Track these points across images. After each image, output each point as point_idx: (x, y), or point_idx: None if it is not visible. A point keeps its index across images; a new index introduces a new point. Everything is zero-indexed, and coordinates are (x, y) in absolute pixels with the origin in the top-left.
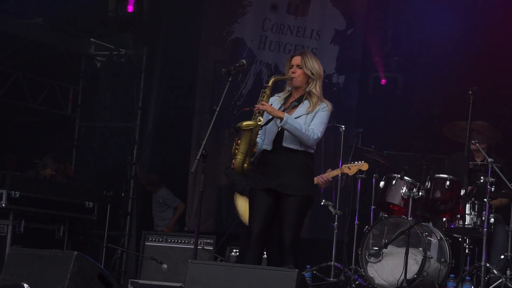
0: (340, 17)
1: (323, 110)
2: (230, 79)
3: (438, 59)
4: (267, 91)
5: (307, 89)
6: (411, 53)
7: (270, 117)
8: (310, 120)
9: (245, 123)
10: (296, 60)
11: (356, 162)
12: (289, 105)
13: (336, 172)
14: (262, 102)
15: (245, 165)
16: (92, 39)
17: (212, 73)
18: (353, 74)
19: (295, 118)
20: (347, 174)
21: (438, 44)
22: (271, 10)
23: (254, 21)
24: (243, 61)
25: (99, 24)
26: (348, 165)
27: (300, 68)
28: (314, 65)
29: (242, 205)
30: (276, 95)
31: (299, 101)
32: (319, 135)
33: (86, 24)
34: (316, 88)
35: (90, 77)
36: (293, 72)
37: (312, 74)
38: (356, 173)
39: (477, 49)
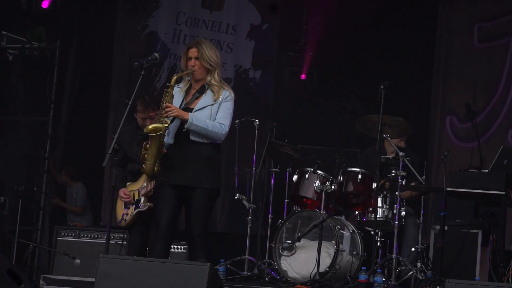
0: (255, 12)
1: (227, 100)
2: (142, 73)
3: (351, 54)
4: (170, 90)
5: (207, 80)
6: (325, 48)
7: None
8: (216, 111)
9: (151, 127)
10: (193, 52)
11: None
12: (192, 97)
13: None
14: (167, 104)
15: (156, 168)
16: (4, 32)
17: (127, 67)
18: (269, 69)
19: (200, 109)
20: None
21: (351, 39)
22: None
23: (168, 14)
24: (156, 54)
25: (11, 17)
26: None
27: (198, 59)
28: (211, 55)
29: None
30: (176, 85)
31: (201, 92)
32: (227, 129)
33: None
34: (215, 77)
35: (2, 70)
36: (193, 66)
37: (211, 66)
38: None
39: (389, 44)
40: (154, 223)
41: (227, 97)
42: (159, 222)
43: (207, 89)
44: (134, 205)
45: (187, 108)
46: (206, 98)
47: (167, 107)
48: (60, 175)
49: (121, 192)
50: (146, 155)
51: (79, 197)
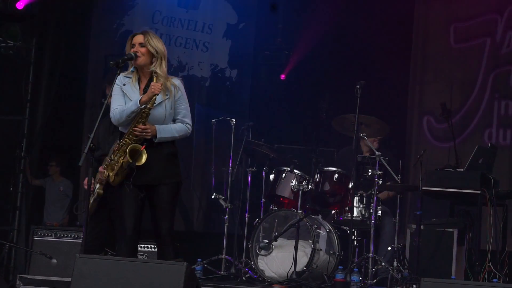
0: (232, 11)
1: (181, 94)
2: (118, 72)
3: (327, 53)
4: (147, 111)
5: (151, 68)
6: (301, 47)
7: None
8: (170, 106)
9: (130, 150)
10: (139, 38)
11: None
12: (143, 93)
13: None
14: (145, 127)
15: (118, 178)
16: None
17: (102, 66)
18: (245, 68)
19: (155, 105)
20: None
21: (327, 38)
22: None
23: (144, 13)
24: (132, 53)
25: None
26: None
27: (144, 46)
28: (157, 44)
29: None
30: (124, 74)
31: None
32: (191, 124)
33: None
34: (162, 67)
35: None
36: (136, 51)
37: (157, 52)
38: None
39: (366, 44)
40: (119, 226)
41: (179, 90)
42: (125, 225)
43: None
44: (93, 194)
45: (144, 107)
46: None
47: (146, 129)
48: (50, 166)
49: (86, 180)
50: (115, 166)
51: (68, 188)
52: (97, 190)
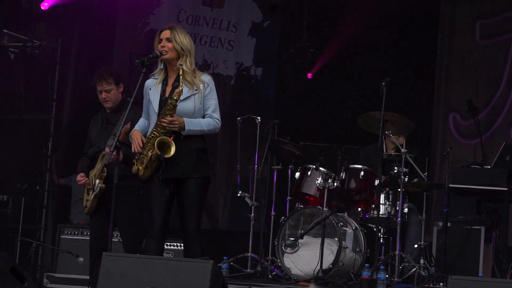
0: (257, 9)
1: (211, 90)
2: (143, 70)
3: (353, 50)
4: (175, 103)
5: (177, 65)
6: (326, 44)
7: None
8: (199, 101)
9: (159, 143)
10: (166, 33)
11: None
12: (172, 88)
13: None
14: (172, 119)
15: (148, 171)
16: (5, 30)
17: (127, 65)
18: (270, 66)
19: (184, 99)
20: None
21: (353, 35)
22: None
23: (169, 12)
24: (157, 52)
25: (12, 15)
26: None
27: (170, 41)
28: (183, 40)
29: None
30: (151, 77)
31: (179, 80)
32: (220, 120)
33: None
34: (186, 64)
35: (3, 69)
36: (163, 46)
37: (182, 49)
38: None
39: (392, 41)
40: (147, 222)
41: (208, 86)
42: (154, 221)
43: (182, 77)
44: (92, 190)
45: (171, 99)
46: (186, 88)
47: (173, 121)
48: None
49: (79, 176)
50: (144, 159)
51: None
52: (99, 185)
